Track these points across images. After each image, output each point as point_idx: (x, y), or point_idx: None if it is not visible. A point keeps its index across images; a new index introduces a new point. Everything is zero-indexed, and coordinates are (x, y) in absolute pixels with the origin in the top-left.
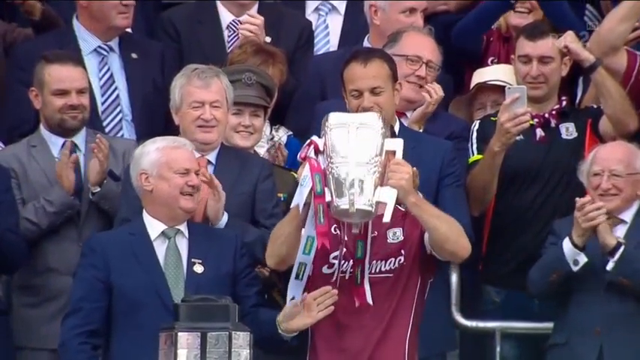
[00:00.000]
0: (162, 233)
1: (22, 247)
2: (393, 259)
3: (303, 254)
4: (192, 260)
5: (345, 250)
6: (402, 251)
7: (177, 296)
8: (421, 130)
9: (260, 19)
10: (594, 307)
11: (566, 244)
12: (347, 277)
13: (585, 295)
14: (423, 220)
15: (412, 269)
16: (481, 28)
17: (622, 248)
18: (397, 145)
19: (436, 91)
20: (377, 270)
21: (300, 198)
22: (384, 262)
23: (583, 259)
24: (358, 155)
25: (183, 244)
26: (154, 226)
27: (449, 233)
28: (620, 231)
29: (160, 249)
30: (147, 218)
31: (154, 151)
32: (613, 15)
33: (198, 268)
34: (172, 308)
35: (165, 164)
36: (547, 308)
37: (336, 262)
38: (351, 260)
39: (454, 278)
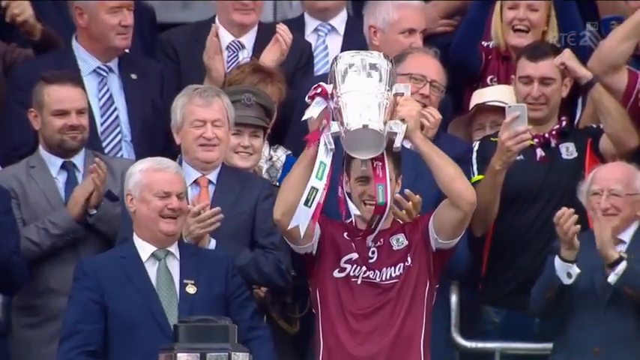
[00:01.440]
0: (153, 255)
1: (23, 268)
2: (402, 264)
3: (316, 179)
4: (185, 281)
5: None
6: (408, 255)
7: (171, 317)
8: None
9: (291, 36)
10: (593, 327)
11: (557, 260)
12: (359, 282)
13: (584, 314)
14: (431, 158)
15: (419, 272)
16: (473, 32)
17: (624, 262)
18: (405, 88)
19: (433, 115)
20: (387, 277)
21: (313, 111)
22: (393, 267)
23: (575, 270)
24: (368, 87)
25: (174, 266)
26: (144, 248)
27: (455, 173)
28: (618, 251)
29: (152, 270)
30: (137, 240)
31: (137, 172)
32: (614, 34)
33: (191, 289)
34: (167, 329)
35: (146, 186)
36: (547, 329)
37: (348, 265)
38: (364, 266)
39: (454, 299)
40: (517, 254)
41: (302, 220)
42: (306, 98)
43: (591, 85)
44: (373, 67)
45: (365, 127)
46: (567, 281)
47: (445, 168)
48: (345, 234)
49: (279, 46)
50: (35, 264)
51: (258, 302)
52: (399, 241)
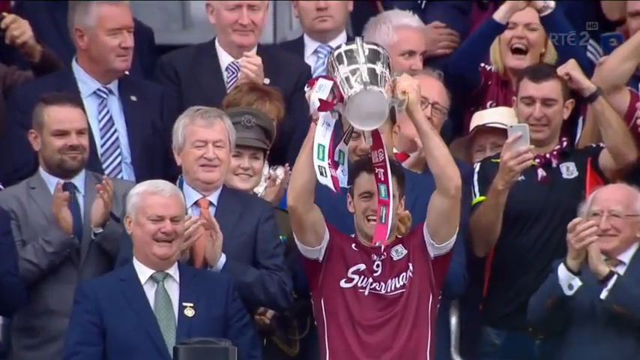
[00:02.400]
0: (151, 277)
1: (20, 289)
2: (404, 274)
3: (318, 159)
4: (183, 304)
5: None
6: (409, 264)
7: (169, 339)
8: (423, 171)
9: (258, 60)
10: (593, 347)
11: (561, 269)
12: (366, 294)
13: (584, 335)
14: (429, 136)
15: (422, 283)
16: (476, 50)
17: (615, 277)
18: (401, 74)
19: None
20: (393, 288)
21: (322, 94)
22: (397, 278)
23: (577, 282)
24: (368, 63)
25: (173, 288)
26: (142, 271)
27: (449, 156)
28: (618, 272)
29: (150, 293)
30: (136, 262)
31: (134, 195)
32: (616, 54)
33: (189, 312)
34: (164, 351)
35: (140, 209)
36: (547, 350)
37: (356, 276)
38: (371, 277)
39: (453, 320)
40: (518, 274)
41: (325, 180)
42: (305, 87)
43: (595, 98)
44: (371, 50)
45: (367, 87)
46: (568, 292)
47: (442, 148)
48: (354, 245)
49: (244, 76)
50: (35, 285)
51: (262, 328)
52: (399, 252)
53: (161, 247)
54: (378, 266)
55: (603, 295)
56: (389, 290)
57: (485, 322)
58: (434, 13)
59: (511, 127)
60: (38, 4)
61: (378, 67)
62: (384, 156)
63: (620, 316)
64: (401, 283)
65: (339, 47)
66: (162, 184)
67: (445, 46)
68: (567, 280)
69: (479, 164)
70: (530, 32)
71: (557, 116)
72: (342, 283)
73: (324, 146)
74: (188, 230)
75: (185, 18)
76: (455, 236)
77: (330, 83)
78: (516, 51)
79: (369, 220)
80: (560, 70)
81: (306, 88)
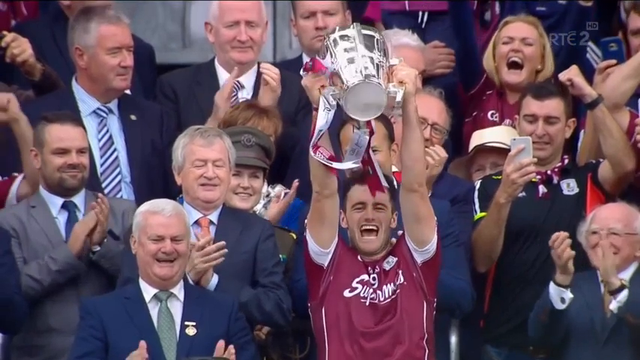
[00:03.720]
0: (155, 296)
1: (24, 307)
2: (395, 281)
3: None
4: (185, 323)
5: None
6: (399, 270)
7: (170, 357)
8: (430, 193)
9: (277, 70)
10: None
11: (551, 285)
12: (367, 304)
13: (583, 352)
14: (415, 129)
15: (412, 288)
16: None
17: (626, 290)
18: (398, 60)
19: (438, 154)
20: (387, 295)
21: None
22: (391, 284)
23: (568, 295)
24: (363, 51)
25: (176, 307)
26: (147, 290)
27: (423, 153)
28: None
29: (154, 312)
30: (141, 282)
31: (138, 215)
32: (618, 73)
33: (191, 331)
34: None
35: (142, 229)
36: None
37: (360, 286)
38: (371, 288)
39: (453, 339)
40: (519, 291)
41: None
42: (301, 71)
43: (596, 104)
44: (367, 36)
45: (366, 79)
46: (560, 306)
47: (421, 144)
48: (358, 255)
49: (269, 87)
50: (35, 303)
51: (258, 344)
52: (389, 262)
53: (162, 267)
54: (374, 279)
55: (613, 306)
56: (381, 299)
57: (486, 340)
58: (434, 32)
59: (514, 139)
60: (38, 23)
61: (376, 56)
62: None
63: (631, 327)
64: (392, 291)
65: (334, 31)
66: (163, 204)
67: (444, 65)
68: (558, 294)
69: (479, 181)
70: (526, 47)
71: (559, 134)
72: (346, 293)
73: (323, 131)
74: (214, 254)
75: (185, 37)
76: (434, 238)
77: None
78: (512, 65)
79: (362, 234)
80: (563, 76)
81: (302, 72)
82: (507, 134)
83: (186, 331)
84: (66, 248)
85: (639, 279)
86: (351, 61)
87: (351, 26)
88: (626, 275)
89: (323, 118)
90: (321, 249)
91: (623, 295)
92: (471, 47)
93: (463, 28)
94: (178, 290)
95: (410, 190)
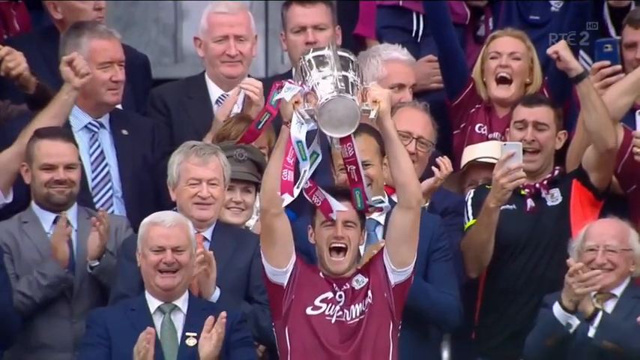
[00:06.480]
0: (159, 308)
1: (17, 322)
2: (364, 301)
3: (302, 161)
4: (187, 334)
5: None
6: (369, 291)
7: None
8: (427, 204)
9: (259, 83)
10: None
11: (556, 308)
12: (333, 322)
13: None
14: (397, 146)
15: (381, 309)
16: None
17: (600, 313)
18: (374, 85)
19: (446, 166)
20: (355, 315)
21: (285, 94)
22: (359, 304)
23: (575, 321)
24: (340, 70)
25: (179, 319)
26: (152, 302)
27: (413, 169)
28: (610, 305)
29: (158, 323)
30: (147, 294)
31: (141, 227)
32: (615, 88)
33: (191, 342)
34: None
35: (144, 241)
36: None
37: (324, 305)
38: (337, 306)
39: (445, 354)
40: (508, 303)
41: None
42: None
43: (581, 79)
44: (342, 57)
45: (340, 95)
46: (569, 331)
47: (409, 160)
48: (321, 273)
49: (252, 101)
50: (27, 319)
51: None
52: (359, 281)
53: (164, 278)
54: (340, 296)
55: (590, 332)
56: (348, 318)
57: (478, 354)
58: (429, 46)
59: (504, 144)
60: (28, 38)
61: (350, 75)
62: (354, 150)
63: (613, 354)
64: (360, 311)
65: (308, 52)
66: (165, 215)
67: (439, 80)
68: (565, 319)
69: (472, 190)
70: (514, 61)
71: (549, 143)
72: (309, 310)
73: (302, 142)
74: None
75: (177, 52)
76: (414, 261)
77: (296, 88)
78: (501, 80)
79: (331, 252)
80: (550, 50)
81: (275, 90)
82: (499, 149)
83: (187, 341)
84: (53, 262)
85: (630, 294)
86: (325, 77)
87: (327, 47)
88: (618, 292)
89: (297, 131)
90: (275, 269)
91: (598, 319)
92: (450, 48)
93: (442, 27)
94: (182, 302)
95: (408, 207)
